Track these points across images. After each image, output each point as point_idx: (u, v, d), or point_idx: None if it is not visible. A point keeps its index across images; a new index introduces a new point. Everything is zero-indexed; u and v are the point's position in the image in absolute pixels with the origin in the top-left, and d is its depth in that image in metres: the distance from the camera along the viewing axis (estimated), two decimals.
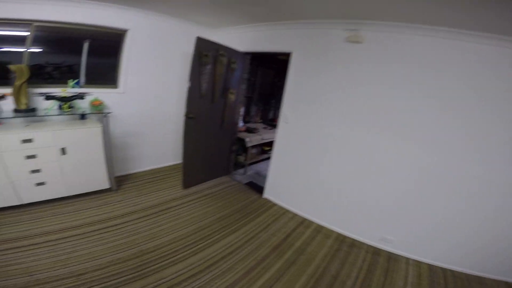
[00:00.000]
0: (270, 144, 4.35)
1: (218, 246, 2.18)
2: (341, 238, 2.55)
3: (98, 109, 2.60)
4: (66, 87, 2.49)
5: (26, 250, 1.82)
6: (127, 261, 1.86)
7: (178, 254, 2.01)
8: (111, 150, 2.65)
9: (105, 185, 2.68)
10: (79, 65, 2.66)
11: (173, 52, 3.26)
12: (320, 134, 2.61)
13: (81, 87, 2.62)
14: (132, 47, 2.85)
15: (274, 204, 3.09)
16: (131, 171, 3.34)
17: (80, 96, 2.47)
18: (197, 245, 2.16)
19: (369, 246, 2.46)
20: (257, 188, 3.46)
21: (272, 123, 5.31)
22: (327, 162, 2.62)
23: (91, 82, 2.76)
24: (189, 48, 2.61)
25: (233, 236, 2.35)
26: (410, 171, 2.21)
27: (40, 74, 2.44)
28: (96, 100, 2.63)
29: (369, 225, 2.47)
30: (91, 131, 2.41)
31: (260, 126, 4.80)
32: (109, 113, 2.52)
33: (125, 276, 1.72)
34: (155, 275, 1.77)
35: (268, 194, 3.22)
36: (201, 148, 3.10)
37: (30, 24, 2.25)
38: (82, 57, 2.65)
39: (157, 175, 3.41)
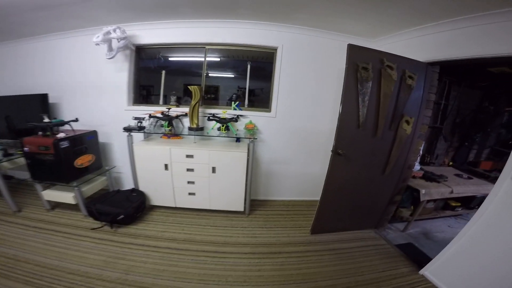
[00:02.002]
0: (463, 199, 2.88)
1: None
2: None
3: (251, 133, 2.68)
4: (228, 109, 2.78)
5: (146, 250, 2.10)
6: None
7: None
8: (253, 175, 2.64)
9: (240, 207, 2.71)
10: (244, 88, 2.93)
11: (326, 70, 2.82)
12: None
13: (241, 109, 2.83)
14: (282, 66, 2.74)
15: None
16: (268, 197, 3.22)
17: (235, 119, 2.64)
18: None
19: None
20: (416, 256, 2.25)
21: (473, 170, 3.43)
22: None
23: (250, 105, 2.93)
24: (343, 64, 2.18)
25: None
26: None
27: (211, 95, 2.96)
28: (250, 123, 2.74)
29: None
30: (237, 155, 2.47)
31: (450, 171, 3.20)
32: (255, 139, 2.50)
33: None
34: None
35: (430, 270, 1.95)
36: (347, 191, 2.36)
37: (204, 47, 2.81)
38: (246, 79, 2.88)
39: (290, 209, 3.06)
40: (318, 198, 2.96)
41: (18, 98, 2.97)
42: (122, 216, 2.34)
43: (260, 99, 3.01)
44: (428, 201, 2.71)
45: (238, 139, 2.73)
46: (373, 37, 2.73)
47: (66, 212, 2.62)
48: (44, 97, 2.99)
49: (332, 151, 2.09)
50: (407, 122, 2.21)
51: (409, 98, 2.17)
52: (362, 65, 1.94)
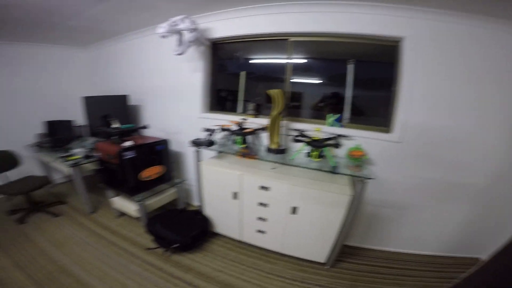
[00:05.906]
0: None
1: None
2: None
3: (357, 162, 1.81)
4: (322, 124, 1.99)
5: None
6: None
7: None
8: (352, 223, 1.75)
9: (321, 258, 1.93)
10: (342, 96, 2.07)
11: (490, 74, 1.64)
12: None
13: (342, 125, 2.00)
14: (413, 66, 1.73)
15: None
16: (364, 244, 2.27)
17: (336, 144, 1.76)
18: None
19: None
20: None
21: None
22: None
23: (355, 120, 2.05)
24: None
25: None
26: None
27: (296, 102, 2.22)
28: (357, 149, 1.83)
29: None
30: (334, 198, 1.65)
31: None
32: (371, 178, 1.56)
33: None
34: None
35: None
36: None
37: (286, 39, 2.05)
38: (346, 84, 2.02)
39: (394, 265, 2.03)
40: (442, 253, 2.15)
41: (105, 98, 2.99)
42: (177, 245, 2.00)
43: (367, 113, 2.09)
44: None
45: (335, 170, 1.79)
46: None
47: (131, 222, 2.49)
48: (124, 98, 2.89)
49: None
50: None
51: None
52: None
